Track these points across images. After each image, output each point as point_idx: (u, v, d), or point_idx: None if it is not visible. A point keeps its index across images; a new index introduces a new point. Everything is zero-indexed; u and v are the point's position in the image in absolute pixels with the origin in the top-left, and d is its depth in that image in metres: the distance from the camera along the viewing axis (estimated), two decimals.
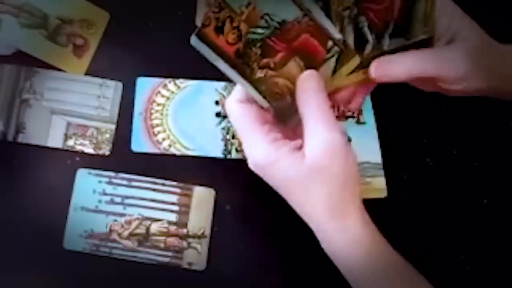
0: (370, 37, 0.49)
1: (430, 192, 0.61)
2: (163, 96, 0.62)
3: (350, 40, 0.49)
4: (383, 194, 0.60)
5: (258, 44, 0.46)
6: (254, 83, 0.47)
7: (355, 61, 0.50)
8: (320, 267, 0.58)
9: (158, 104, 0.62)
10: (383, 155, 0.61)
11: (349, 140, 0.62)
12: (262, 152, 0.48)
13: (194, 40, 0.43)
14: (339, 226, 0.49)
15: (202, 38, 0.43)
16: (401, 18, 0.49)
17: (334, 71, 0.50)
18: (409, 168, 0.61)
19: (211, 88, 0.63)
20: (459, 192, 0.61)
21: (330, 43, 0.48)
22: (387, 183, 0.60)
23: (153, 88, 0.62)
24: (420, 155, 0.61)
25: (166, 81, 0.63)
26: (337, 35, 0.48)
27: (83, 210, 0.58)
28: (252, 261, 0.58)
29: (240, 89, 0.50)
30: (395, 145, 0.57)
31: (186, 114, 0.62)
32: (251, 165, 0.50)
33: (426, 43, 0.51)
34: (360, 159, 0.61)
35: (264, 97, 0.48)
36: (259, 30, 0.45)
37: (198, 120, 0.62)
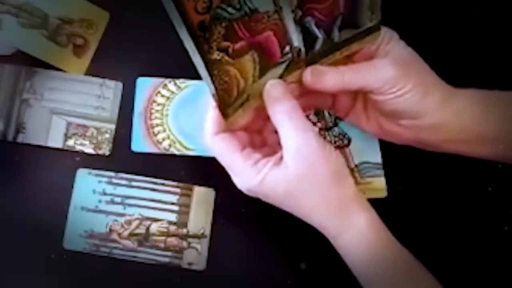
0: (319, 34, 0.48)
1: (430, 192, 0.61)
2: (163, 96, 0.62)
3: (299, 40, 0.48)
4: (383, 194, 0.60)
5: (224, 24, 0.43)
6: (208, 63, 0.44)
7: (300, 72, 0.50)
8: (320, 267, 0.58)
9: (158, 104, 0.62)
10: (383, 155, 0.61)
11: (349, 140, 0.62)
12: (247, 177, 0.49)
13: None
14: (343, 222, 0.49)
15: None
16: (347, 10, 0.48)
17: (280, 77, 0.50)
18: (409, 168, 0.61)
19: None
20: (459, 191, 0.61)
21: (287, 48, 0.48)
22: (387, 183, 0.60)
23: (153, 88, 0.62)
24: (420, 155, 0.61)
25: (166, 81, 0.63)
26: (296, 43, 0.48)
27: (83, 210, 0.58)
28: (252, 261, 0.58)
29: (212, 122, 0.50)
30: (395, 145, 0.57)
31: (186, 114, 0.62)
32: (244, 191, 0.51)
33: (373, 30, 0.50)
34: (360, 159, 0.61)
35: (213, 81, 0.45)
36: (230, 9, 0.43)
37: (198, 120, 0.61)
